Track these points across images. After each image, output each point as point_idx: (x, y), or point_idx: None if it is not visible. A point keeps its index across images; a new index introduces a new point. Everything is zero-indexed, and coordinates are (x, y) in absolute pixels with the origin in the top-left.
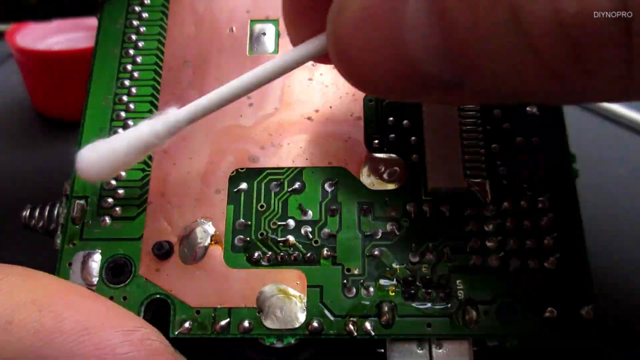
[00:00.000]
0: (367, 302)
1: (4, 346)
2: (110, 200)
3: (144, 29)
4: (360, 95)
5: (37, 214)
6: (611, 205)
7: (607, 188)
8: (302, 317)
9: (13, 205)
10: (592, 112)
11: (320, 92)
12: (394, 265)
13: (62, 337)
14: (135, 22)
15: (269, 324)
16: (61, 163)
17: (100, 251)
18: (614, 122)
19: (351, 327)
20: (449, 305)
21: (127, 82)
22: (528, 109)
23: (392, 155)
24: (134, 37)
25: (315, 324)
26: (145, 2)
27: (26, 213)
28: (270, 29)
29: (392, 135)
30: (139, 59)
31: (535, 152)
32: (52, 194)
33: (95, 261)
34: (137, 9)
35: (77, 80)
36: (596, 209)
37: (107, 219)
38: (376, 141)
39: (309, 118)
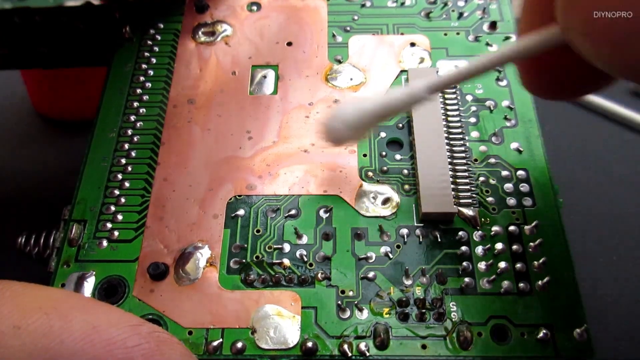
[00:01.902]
0: (362, 324)
1: (14, 351)
2: (108, 224)
3: (152, 72)
4: None
5: (32, 240)
6: (610, 205)
7: (607, 188)
8: (296, 337)
9: (12, 206)
10: (592, 112)
11: (316, 128)
12: (388, 287)
13: (71, 336)
14: (144, 66)
15: (262, 344)
16: (61, 163)
17: (94, 272)
18: (614, 122)
19: (346, 348)
20: (443, 326)
21: (132, 118)
22: (512, 145)
23: (385, 184)
24: (142, 78)
25: (309, 344)
26: (155, 49)
27: (22, 240)
28: (270, 73)
29: (385, 168)
30: (145, 97)
31: (521, 184)
32: (51, 194)
33: (89, 282)
34: (147, 54)
35: (77, 80)
36: (594, 208)
37: (105, 242)
38: (370, 173)
39: (305, 151)
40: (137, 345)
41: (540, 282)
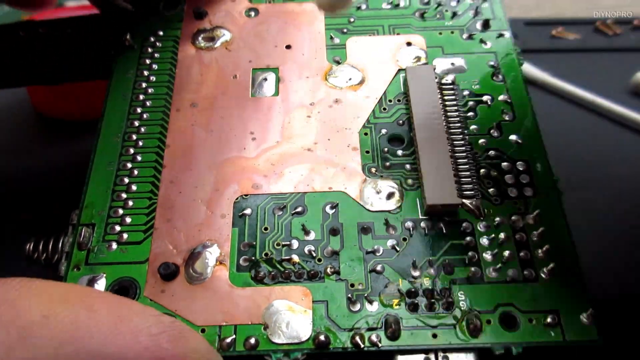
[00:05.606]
0: (373, 316)
1: (44, 340)
2: (117, 227)
3: (154, 77)
4: (356, 128)
5: (41, 246)
6: (610, 204)
7: (607, 187)
8: (308, 331)
9: (13, 206)
10: (592, 112)
11: (318, 127)
12: (396, 279)
13: (98, 325)
14: (145, 72)
15: (275, 339)
16: (62, 164)
17: (105, 275)
18: (614, 122)
19: (358, 340)
20: (453, 315)
21: (136, 123)
22: (511, 137)
23: (388, 179)
24: (144, 84)
25: (322, 337)
26: (156, 55)
27: (30, 246)
28: (270, 76)
29: (388, 164)
30: (148, 103)
31: (521, 175)
32: (53, 197)
33: (100, 284)
34: (148, 61)
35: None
36: (595, 208)
37: (114, 245)
38: (373, 169)
39: (308, 149)
40: (161, 332)
41: (545, 269)
